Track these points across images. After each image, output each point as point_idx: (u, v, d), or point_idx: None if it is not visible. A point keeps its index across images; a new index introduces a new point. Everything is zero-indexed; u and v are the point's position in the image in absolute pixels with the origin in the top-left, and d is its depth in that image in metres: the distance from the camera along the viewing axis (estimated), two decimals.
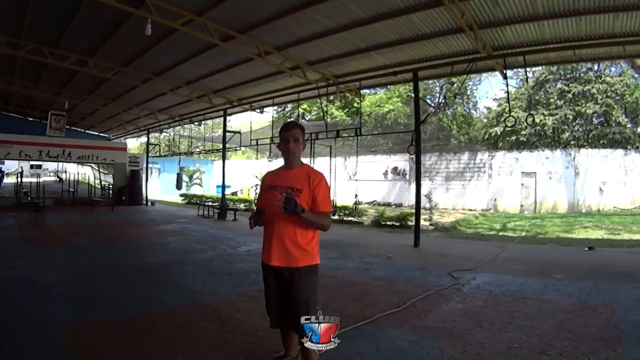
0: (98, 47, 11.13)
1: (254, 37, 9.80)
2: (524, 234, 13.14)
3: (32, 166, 36.41)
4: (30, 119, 22.78)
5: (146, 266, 7.63)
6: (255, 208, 3.27)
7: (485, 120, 34.93)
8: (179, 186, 23.52)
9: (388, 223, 15.01)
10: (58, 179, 31.94)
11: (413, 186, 22.37)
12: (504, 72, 10.49)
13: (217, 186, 27.10)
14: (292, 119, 32.94)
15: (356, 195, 14.54)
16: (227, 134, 17.74)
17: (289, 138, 3.09)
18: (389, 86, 33.18)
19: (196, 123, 21.43)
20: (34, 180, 24.41)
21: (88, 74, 12.81)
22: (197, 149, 25.57)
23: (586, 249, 9.71)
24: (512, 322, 4.56)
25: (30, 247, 9.27)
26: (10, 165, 38.19)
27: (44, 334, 4.06)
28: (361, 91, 13.96)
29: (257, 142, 16.64)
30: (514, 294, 5.75)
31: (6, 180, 34.07)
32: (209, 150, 24.42)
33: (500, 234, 13.50)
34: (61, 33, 10.26)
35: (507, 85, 11.30)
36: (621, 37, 8.25)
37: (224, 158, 17.98)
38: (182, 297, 5.60)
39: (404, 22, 8.57)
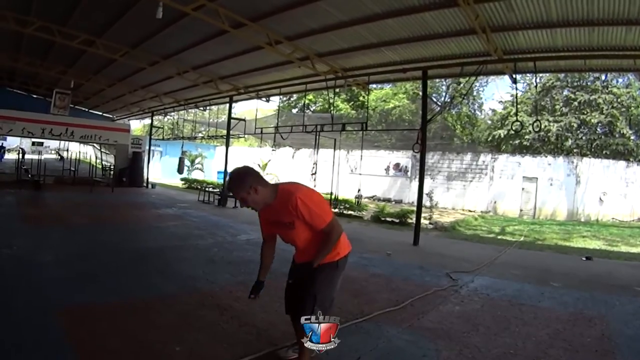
0: (107, 27, 11.09)
1: (265, 26, 9.77)
2: (522, 239, 13.16)
3: (33, 143, 36.38)
4: (35, 96, 22.78)
5: (145, 250, 7.66)
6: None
7: (489, 122, 34.83)
8: (180, 170, 23.53)
9: (388, 219, 15.03)
10: (59, 158, 31.88)
11: (414, 183, 22.49)
12: (514, 76, 10.47)
13: (219, 172, 27.08)
14: (297, 109, 32.91)
15: (359, 190, 14.55)
16: (232, 120, 17.70)
17: (237, 199, 3.02)
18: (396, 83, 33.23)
19: (201, 108, 21.39)
20: (35, 157, 24.39)
21: (95, 54, 12.77)
22: (201, 134, 25.51)
23: (584, 258, 9.71)
24: (509, 328, 4.59)
25: (29, 226, 9.25)
26: (12, 142, 38.21)
27: (41, 316, 4.06)
28: (368, 88, 13.95)
29: (261, 131, 16.62)
30: (511, 299, 5.78)
31: (7, 156, 34.11)
32: (212, 136, 24.35)
33: (499, 237, 13.52)
34: (70, 12, 10.22)
35: (516, 90, 11.27)
36: (633, 51, 8.25)
37: (227, 145, 17.96)
38: (181, 284, 5.62)
39: (417, 20, 8.55)
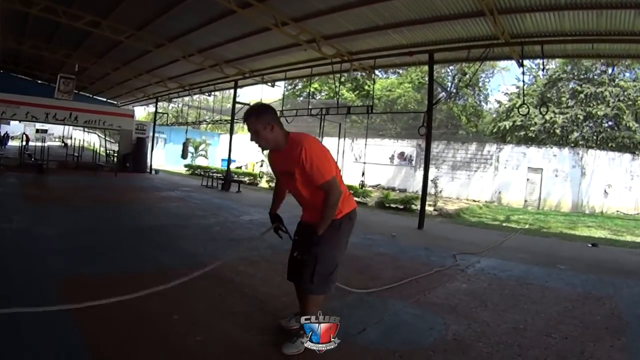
0: (113, 8, 10.98)
1: (271, 7, 9.66)
2: (527, 226, 13.09)
3: (37, 130, 36.44)
4: (39, 81, 22.68)
5: (146, 228, 7.63)
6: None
7: (494, 115, 34.64)
8: (184, 155, 23.43)
9: (392, 205, 14.97)
10: (63, 145, 31.93)
11: (418, 172, 22.42)
12: (521, 60, 10.32)
13: (223, 160, 27.03)
14: (302, 98, 32.73)
15: (363, 174, 14.45)
16: (237, 105, 17.56)
17: (249, 131, 2.92)
18: (401, 71, 32.99)
19: (206, 94, 21.26)
20: (39, 144, 24.44)
21: (101, 36, 12.65)
22: (205, 120, 25.47)
23: (590, 245, 9.65)
24: (517, 305, 4.51)
25: (31, 204, 9.19)
26: (16, 129, 38.25)
27: (40, 284, 4.01)
28: (374, 72, 13.81)
29: None
30: (518, 279, 5.70)
31: (11, 143, 34.16)
32: (216, 121, 24.22)
33: (504, 224, 13.45)
34: None
35: (522, 74, 11.09)
36: None
37: (231, 129, 17.93)
38: (181, 258, 5.56)
39: (424, 0, 8.45)
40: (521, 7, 8.03)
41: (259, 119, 2.85)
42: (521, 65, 10.39)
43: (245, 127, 2.95)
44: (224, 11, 10.11)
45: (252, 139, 2.93)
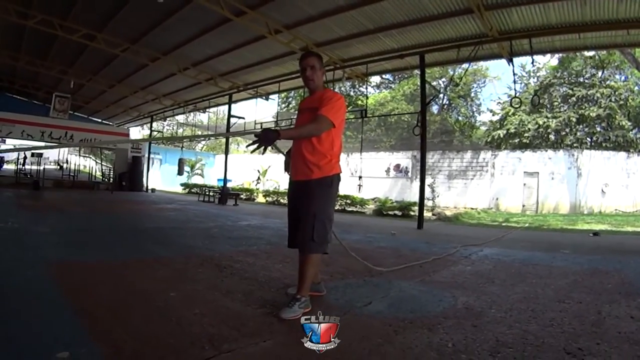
0: (108, 20, 11.10)
1: (264, 14, 9.80)
2: (527, 225, 13.01)
3: (33, 154, 36.46)
4: (35, 101, 22.64)
5: (143, 228, 7.64)
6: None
7: (488, 127, 34.72)
8: (180, 172, 23.31)
9: (390, 213, 14.88)
10: (59, 167, 31.98)
11: (415, 184, 22.37)
12: (510, 58, 10.34)
13: (219, 179, 26.96)
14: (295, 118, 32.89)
15: (360, 177, 14.40)
16: (231, 120, 17.54)
17: (305, 67, 3.25)
18: (393, 86, 33.19)
19: (201, 111, 21.30)
20: (35, 167, 24.49)
21: (96, 50, 12.80)
22: (201, 135, 25.57)
23: (591, 234, 9.68)
24: (525, 280, 4.40)
25: (27, 211, 9.19)
26: (11, 153, 38.19)
27: (32, 268, 3.95)
28: (367, 87, 13.88)
29: (261, 125, 16.51)
30: (522, 261, 5.61)
31: (6, 166, 34.16)
32: (212, 134, 24.31)
33: (504, 224, 13.37)
34: (72, 4, 10.22)
35: (513, 67, 11.05)
36: (625, 23, 8.31)
37: (227, 143, 17.94)
38: (180, 250, 5.49)
39: (413, 1, 8.61)
40: (507, 1, 8.19)
41: (318, 60, 3.30)
42: (510, 61, 10.42)
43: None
44: (217, 20, 10.26)
45: (303, 74, 3.28)
